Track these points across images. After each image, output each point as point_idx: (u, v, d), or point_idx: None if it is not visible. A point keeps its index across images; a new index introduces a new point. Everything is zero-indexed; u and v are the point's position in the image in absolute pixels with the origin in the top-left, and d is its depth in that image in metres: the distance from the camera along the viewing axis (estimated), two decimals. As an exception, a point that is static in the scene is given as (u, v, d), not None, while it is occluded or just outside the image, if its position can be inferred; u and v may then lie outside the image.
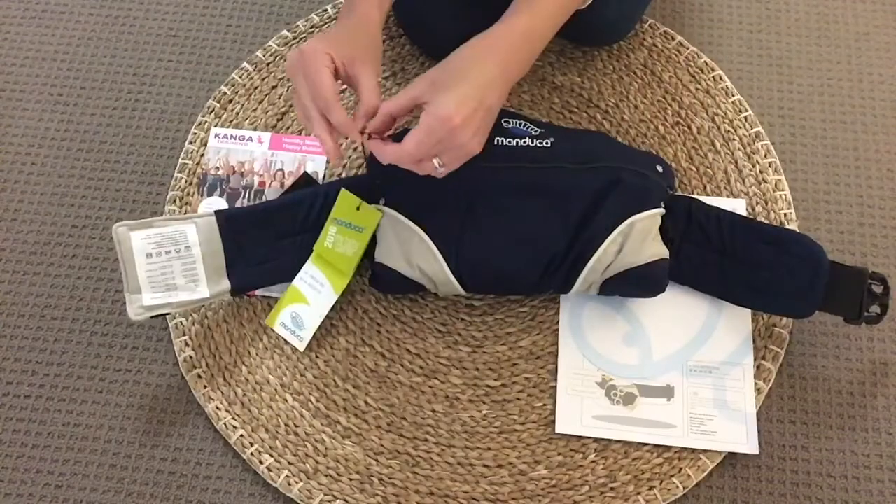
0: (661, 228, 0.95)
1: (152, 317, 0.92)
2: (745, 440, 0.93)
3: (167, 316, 0.99)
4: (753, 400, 0.94)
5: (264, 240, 0.97)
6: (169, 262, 0.92)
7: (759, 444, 0.94)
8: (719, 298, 0.98)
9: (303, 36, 1.16)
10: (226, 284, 0.95)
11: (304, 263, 0.98)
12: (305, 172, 1.06)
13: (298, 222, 0.98)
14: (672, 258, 0.95)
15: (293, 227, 0.98)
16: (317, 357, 0.99)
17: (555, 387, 0.96)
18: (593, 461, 0.93)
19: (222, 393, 0.97)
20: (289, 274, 0.99)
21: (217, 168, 1.08)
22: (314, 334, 0.98)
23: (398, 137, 0.82)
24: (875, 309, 0.93)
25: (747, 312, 0.98)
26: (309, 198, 0.99)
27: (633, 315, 0.98)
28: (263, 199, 1.05)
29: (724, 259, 0.96)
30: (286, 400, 0.97)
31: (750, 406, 0.94)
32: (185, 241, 0.93)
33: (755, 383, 0.95)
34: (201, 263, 0.94)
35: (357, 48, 0.83)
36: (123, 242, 0.91)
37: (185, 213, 1.05)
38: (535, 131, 0.98)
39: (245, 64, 1.14)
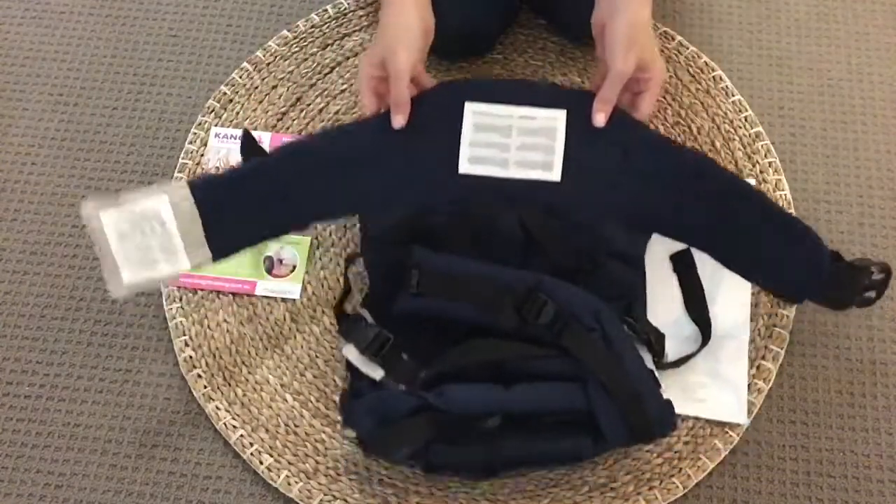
0: (663, 179, 0.92)
1: (137, 294, 0.91)
2: (735, 410, 0.94)
3: (166, 310, 1.00)
4: (746, 373, 0.95)
5: (241, 205, 0.91)
6: (145, 242, 0.87)
7: (759, 442, 0.94)
8: (721, 264, 0.93)
9: (303, 36, 1.16)
10: (206, 253, 0.89)
11: (282, 227, 0.94)
12: (245, 130, 1.00)
13: (276, 184, 0.92)
14: (676, 216, 0.91)
15: (270, 189, 0.92)
16: (316, 357, 0.99)
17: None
18: (593, 461, 0.93)
19: (222, 393, 0.97)
20: (268, 237, 0.94)
21: (217, 168, 1.08)
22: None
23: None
24: (870, 294, 0.91)
25: (747, 289, 0.99)
26: (284, 161, 0.94)
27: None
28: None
29: (727, 228, 0.91)
30: (286, 400, 0.97)
31: (742, 379, 0.95)
32: (158, 218, 0.88)
33: (756, 383, 0.95)
34: (178, 236, 0.88)
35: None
36: (92, 221, 0.86)
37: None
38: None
39: (245, 64, 1.14)
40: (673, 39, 1.15)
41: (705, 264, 0.97)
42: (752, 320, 0.98)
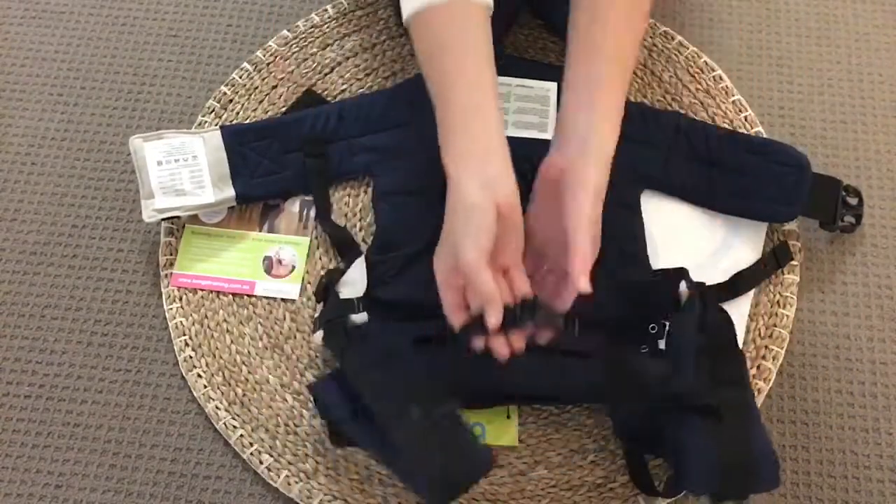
0: (649, 140, 1.02)
1: (163, 219, 1.00)
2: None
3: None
4: (749, 305, 0.98)
5: (268, 153, 1.03)
6: (178, 170, 1.00)
7: (759, 444, 0.94)
8: (707, 207, 1.01)
9: (303, 36, 1.16)
10: (230, 192, 1.01)
11: (298, 180, 1.03)
12: (309, 89, 1.10)
13: (303, 138, 1.04)
14: (660, 170, 1.01)
15: (298, 142, 1.03)
16: (316, 357, 0.99)
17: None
18: (593, 462, 0.93)
19: (222, 393, 0.97)
20: (294, 188, 1.04)
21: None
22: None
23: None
24: (850, 219, 1.01)
25: (761, 234, 1.01)
26: (313, 115, 1.05)
27: (649, 234, 1.00)
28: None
29: (712, 169, 1.01)
30: (286, 400, 0.97)
31: (744, 311, 0.98)
32: (192, 151, 1.01)
33: (756, 383, 0.95)
34: (207, 171, 1.00)
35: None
36: (138, 152, 1.00)
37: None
38: None
39: (245, 64, 1.14)
40: (673, 39, 1.15)
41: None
42: (752, 320, 0.98)
